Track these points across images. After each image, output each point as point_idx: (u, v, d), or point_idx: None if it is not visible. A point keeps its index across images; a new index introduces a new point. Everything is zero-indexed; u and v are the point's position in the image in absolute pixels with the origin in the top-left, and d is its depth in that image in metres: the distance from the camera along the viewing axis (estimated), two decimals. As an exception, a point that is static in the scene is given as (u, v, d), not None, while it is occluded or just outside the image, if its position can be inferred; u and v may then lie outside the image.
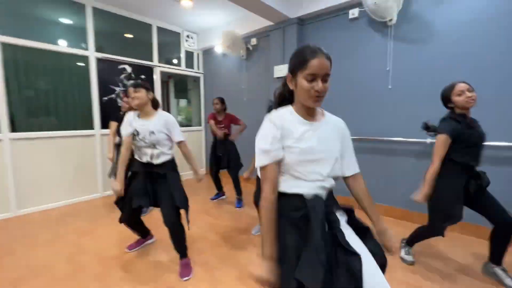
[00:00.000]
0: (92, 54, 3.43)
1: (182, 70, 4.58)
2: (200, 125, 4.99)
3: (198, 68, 4.84)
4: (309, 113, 0.95)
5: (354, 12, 2.83)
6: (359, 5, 2.76)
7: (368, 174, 2.71)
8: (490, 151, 2.16)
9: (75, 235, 2.44)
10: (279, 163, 0.91)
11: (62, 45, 3.24)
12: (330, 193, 0.97)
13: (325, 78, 0.87)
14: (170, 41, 4.42)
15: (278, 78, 3.50)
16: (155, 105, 1.89)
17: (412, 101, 2.59)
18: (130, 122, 1.82)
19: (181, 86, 4.90)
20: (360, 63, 2.91)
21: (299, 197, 0.90)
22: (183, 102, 5.33)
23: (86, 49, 3.40)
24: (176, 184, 1.84)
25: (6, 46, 2.80)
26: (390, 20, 2.59)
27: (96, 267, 1.92)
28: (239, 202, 3.21)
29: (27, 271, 1.87)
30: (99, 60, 3.50)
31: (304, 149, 0.90)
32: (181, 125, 5.19)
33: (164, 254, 2.10)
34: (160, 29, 4.18)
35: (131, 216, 1.94)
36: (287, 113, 0.94)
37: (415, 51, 2.56)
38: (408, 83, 2.61)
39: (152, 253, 2.13)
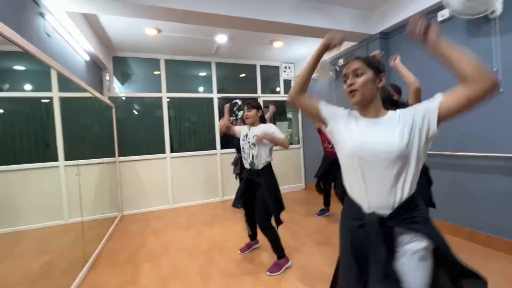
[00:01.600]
0: (215, 95, 4.76)
1: (281, 96, 5.32)
2: (298, 143, 5.47)
3: (296, 93, 5.42)
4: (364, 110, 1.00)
5: (443, 14, 2.55)
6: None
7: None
8: None
9: (201, 225, 3.48)
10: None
11: (200, 91, 4.73)
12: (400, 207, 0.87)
13: (355, 73, 0.95)
14: (272, 74, 5.30)
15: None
16: (262, 120, 2.32)
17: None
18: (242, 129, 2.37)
19: (281, 110, 5.63)
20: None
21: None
22: (284, 125, 6.03)
23: (211, 92, 4.76)
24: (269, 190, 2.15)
25: (170, 100, 4.47)
26: (493, 12, 2.19)
27: (206, 246, 2.75)
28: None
29: (174, 245, 2.94)
30: (219, 98, 4.78)
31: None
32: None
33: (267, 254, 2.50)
34: (262, 66, 5.14)
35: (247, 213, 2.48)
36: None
37: (534, 42, 2.02)
38: (527, 82, 2.06)
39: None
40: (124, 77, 4.40)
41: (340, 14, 3.15)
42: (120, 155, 4.10)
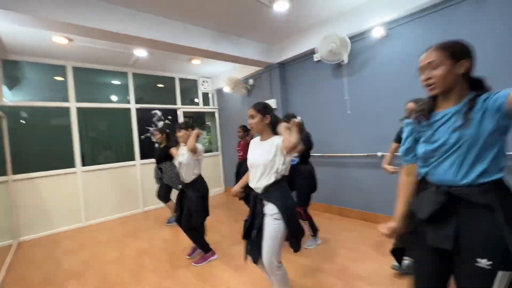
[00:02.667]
0: (133, 106, 4.72)
1: (200, 108, 5.72)
2: (217, 150, 5.99)
3: (214, 105, 5.94)
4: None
5: (316, 56, 3.61)
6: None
7: (334, 182, 3.32)
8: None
9: (125, 237, 3.47)
10: None
11: (114, 101, 4.58)
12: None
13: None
14: (190, 87, 5.63)
15: (269, 109, 4.34)
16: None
17: (367, 122, 3.20)
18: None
19: (200, 120, 6.04)
20: (326, 94, 3.64)
21: None
22: (203, 133, 6.44)
23: (129, 102, 4.70)
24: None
25: (79, 109, 4.17)
26: (343, 61, 3.32)
27: (134, 254, 2.87)
28: None
29: (96, 259, 2.89)
30: (137, 109, 4.77)
31: None
32: (204, 151, 6.26)
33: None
34: (181, 79, 5.42)
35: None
36: None
37: (364, 82, 3.22)
38: (361, 108, 3.25)
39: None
40: (17, 84, 3.83)
41: (249, 45, 3.88)
42: (15, 173, 3.56)
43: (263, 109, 1.70)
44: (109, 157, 4.49)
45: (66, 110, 4.06)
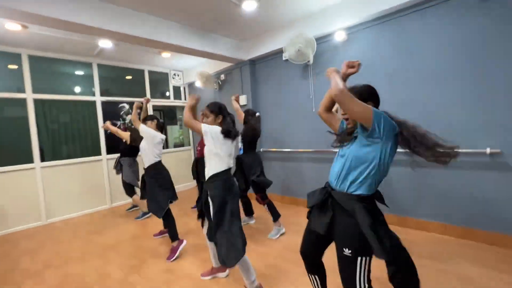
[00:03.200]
0: (98, 98, 4.52)
1: (171, 101, 5.63)
2: (189, 145, 5.95)
3: (185, 99, 5.87)
4: None
5: (285, 55, 3.74)
6: (288, 50, 3.68)
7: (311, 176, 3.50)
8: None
9: (88, 234, 3.38)
10: None
11: (77, 93, 4.35)
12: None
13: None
14: (160, 80, 5.50)
15: (240, 106, 4.41)
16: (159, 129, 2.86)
17: (330, 120, 3.41)
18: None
19: (171, 114, 5.94)
20: (293, 92, 3.80)
21: None
22: (175, 128, 6.35)
23: (94, 95, 4.49)
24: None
25: (37, 100, 3.91)
26: (308, 61, 3.48)
27: (99, 250, 2.83)
28: None
29: (57, 257, 2.80)
30: (103, 102, 4.57)
31: None
32: (175, 146, 6.19)
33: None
34: (151, 72, 5.27)
35: None
36: None
37: (327, 84, 3.41)
38: (326, 106, 3.45)
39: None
40: (-38, 71, 3.49)
41: (220, 41, 3.90)
42: (-38, 169, 3.29)
43: (217, 109, 1.88)
44: (72, 152, 4.29)
45: (22, 102, 3.79)
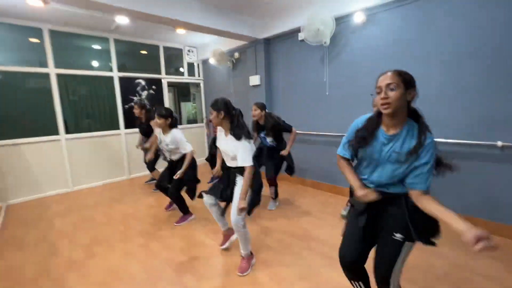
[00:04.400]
0: (116, 74, 4.65)
1: (185, 78, 5.69)
2: (202, 122, 6.10)
3: (199, 76, 5.90)
4: None
5: (301, 35, 3.66)
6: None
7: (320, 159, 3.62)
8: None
9: (111, 202, 3.71)
10: None
11: (95, 67, 4.49)
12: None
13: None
14: (175, 56, 5.52)
15: (253, 86, 4.44)
16: (172, 126, 2.78)
17: (343, 105, 3.42)
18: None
19: (184, 91, 6.02)
20: (307, 74, 3.77)
21: None
22: (188, 105, 6.47)
23: (111, 70, 4.62)
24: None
25: (59, 75, 4.08)
26: (325, 42, 3.40)
27: (121, 217, 3.13)
28: None
29: (85, 221, 3.14)
30: (120, 78, 4.70)
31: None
32: (188, 121, 6.36)
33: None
34: (166, 48, 5.28)
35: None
36: None
37: (343, 66, 3.37)
38: (339, 92, 3.44)
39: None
40: (-10, 45, 3.66)
41: (234, 19, 3.82)
42: (-3, 139, 3.60)
43: (222, 106, 1.91)
44: (92, 125, 4.53)
45: (46, 77, 3.97)
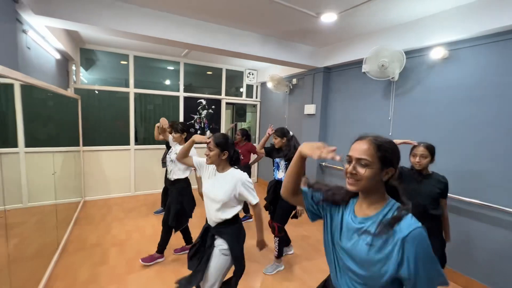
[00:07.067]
0: (181, 94, 5.11)
1: (243, 99, 5.88)
2: (255, 142, 6.17)
3: (257, 97, 6.03)
4: None
5: (365, 67, 3.35)
6: (370, 61, 3.27)
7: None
8: (462, 203, 2.41)
9: (161, 214, 4.01)
10: None
11: (166, 85, 5.03)
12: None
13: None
14: (236, 77, 5.79)
15: (307, 114, 4.26)
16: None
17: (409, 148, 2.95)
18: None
19: (241, 112, 6.22)
20: (368, 110, 3.41)
21: None
22: (244, 125, 6.67)
23: (178, 90, 5.10)
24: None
25: (136, 94, 4.70)
26: (393, 77, 3.03)
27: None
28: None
29: (135, 228, 3.45)
30: (185, 97, 5.15)
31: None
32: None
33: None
34: (228, 70, 5.59)
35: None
36: None
37: (411, 106, 2.92)
38: (405, 132, 2.98)
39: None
40: (91, 66, 4.49)
41: (295, 49, 3.77)
42: (84, 145, 4.31)
43: (224, 145, 1.62)
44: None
45: (126, 95, 4.63)
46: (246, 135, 3.84)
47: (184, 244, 2.98)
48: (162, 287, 2.32)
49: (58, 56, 3.36)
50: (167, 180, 2.82)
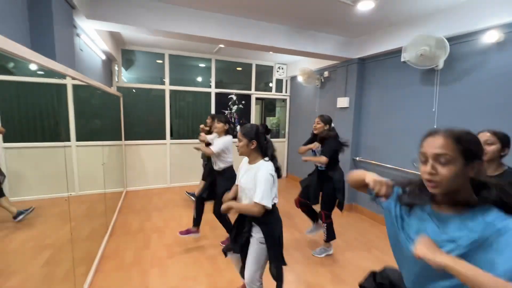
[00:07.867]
0: (213, 90, 5.26)
1: (273, 94, 5.87)
2: (284, 137, 6.15)
3: (286, 92, 5.99)
4: None
5: (404, 56, 3.15)
6: (410, 50, 3.07)
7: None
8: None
9: (194, 204, 4.20)
10: None
11: (198, 83, 5.21)
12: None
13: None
14: (265, 72, 5.79)
15: (340, 108, 4.13)
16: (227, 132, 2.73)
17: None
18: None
19: (270, 106, 6.22)
20: (408, 102, 3.21)
21: None
22: (273, 120, 6.66)
23: (210, 86, 5.26)
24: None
25: (172, 91, 4.95)
26: (437, 66, 2.81)
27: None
28: None
29: (172, 217, 3.66)
30: (216, 93, 5.29)
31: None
32: (272, 136, 6.54)
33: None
34: (258, 65, 5.61)
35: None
36: None
37: (458, 96, 2.69)
38: (452, 124, 2.76)
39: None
40: (131, 66, 4.81)
41: (326, 40, 3.67)
42: (126, 139, 4.66)
43: (251, 134, 1.62)
44: (191, 133, 5.27)
45: (162, 93, 4.89)
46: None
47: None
48: (198, 272, 2.45)
49: (103, 57, 3.65)
50: (212, 171, 2.88)
